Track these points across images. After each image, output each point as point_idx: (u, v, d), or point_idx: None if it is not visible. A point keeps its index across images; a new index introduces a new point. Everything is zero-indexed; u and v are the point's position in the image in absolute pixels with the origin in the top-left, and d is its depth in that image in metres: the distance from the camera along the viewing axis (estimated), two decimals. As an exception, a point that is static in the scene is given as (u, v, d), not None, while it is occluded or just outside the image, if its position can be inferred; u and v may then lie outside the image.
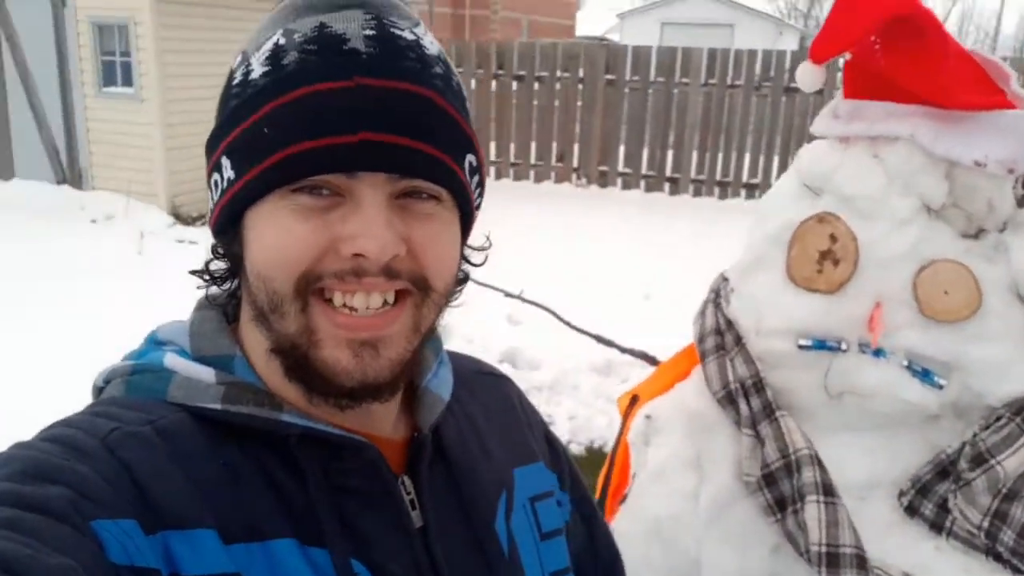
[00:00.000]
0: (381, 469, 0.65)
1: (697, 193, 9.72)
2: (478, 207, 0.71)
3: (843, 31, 1.36)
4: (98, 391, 0.67)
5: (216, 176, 0.65)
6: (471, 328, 4.27)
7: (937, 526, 1.31)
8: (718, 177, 9.77)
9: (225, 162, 0.63)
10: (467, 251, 0.72)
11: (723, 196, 9.75)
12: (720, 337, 1.51)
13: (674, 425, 1.56)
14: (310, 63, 0.59)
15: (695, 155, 9.76)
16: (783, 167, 9.54)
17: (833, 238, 1.38)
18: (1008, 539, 1.25)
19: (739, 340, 1.48)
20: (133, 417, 0.60)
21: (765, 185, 9.59)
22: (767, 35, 23.79)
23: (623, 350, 2.34)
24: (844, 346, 1.37)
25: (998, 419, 1.32)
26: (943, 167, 1.33)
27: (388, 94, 0.59)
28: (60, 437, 0.57)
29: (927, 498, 1.32)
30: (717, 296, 1.60)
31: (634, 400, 1.74)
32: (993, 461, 1.29)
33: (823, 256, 1.39)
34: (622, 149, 9.86)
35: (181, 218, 7.33)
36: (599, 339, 2.48)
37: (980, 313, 1.31)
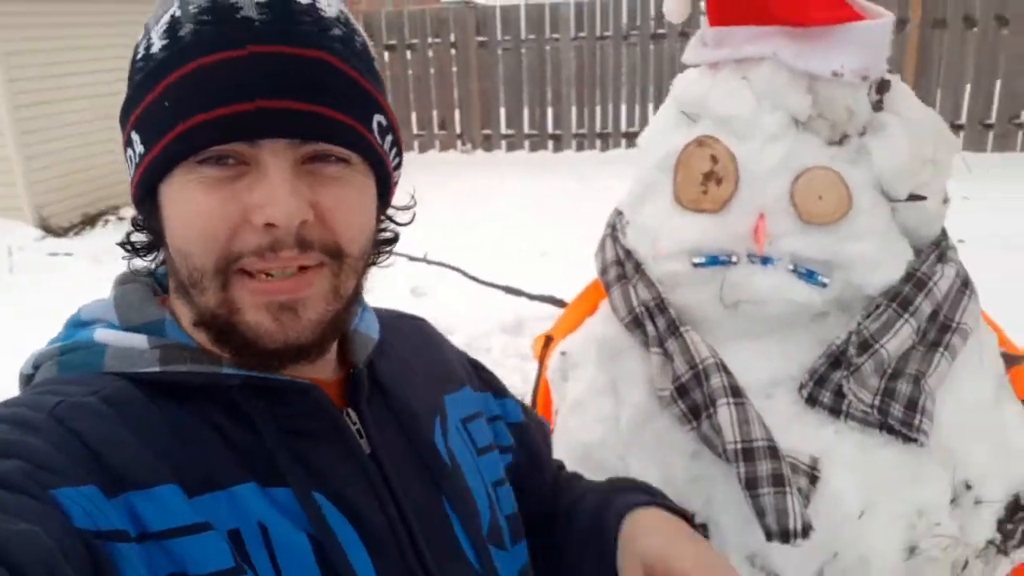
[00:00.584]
0: (326, 405, 0.68)
1: (580, 148, 9.87)
2: (397, 167, 0.72)
3: (702, -39, 1.43)
4: (27, 379, 0.66)
5: (129, 151, 0.65)
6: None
7: (835, 411, 1.42)
8: (598, 130, 9.94)
9: (135, 136, 0.64)
10: (391, 212, 0.74)
11: (604, 148, 9.95)
12: (621, 267, 1.58)
13: (588, 357, 1.63)
14: (204, 33, 0.60)
15: (574, 110, 9.89)
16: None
17: (714, 159, 1.47)
18: (897, 412, 1.38)
19: (639, 267, 1.55)
20: (76, 390, 0.60)
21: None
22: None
23: (532, 297, 2.41)
24: (734, 259, 1.47)
25: (877, 307, 1.44)
26: (805, 81, 1.43)
27: (282, 60, 0.59)
28: (5, 416, 0.57)
29: (824, 387, 1.44)
30: (614, 230, 1.67)
31: (548, 341, 1.80)
32: (877, 345, 1.41)
33: (706, 177, 1.48)
34: (503, 111, 9.89)
35: (51, 230, 6.93)
36: (507, 290, 2.53)
37: (852, 213, 1.42)
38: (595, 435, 1.55)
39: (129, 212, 7.13)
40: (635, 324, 1.51)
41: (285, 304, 0.63)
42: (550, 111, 9.89)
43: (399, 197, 0.75)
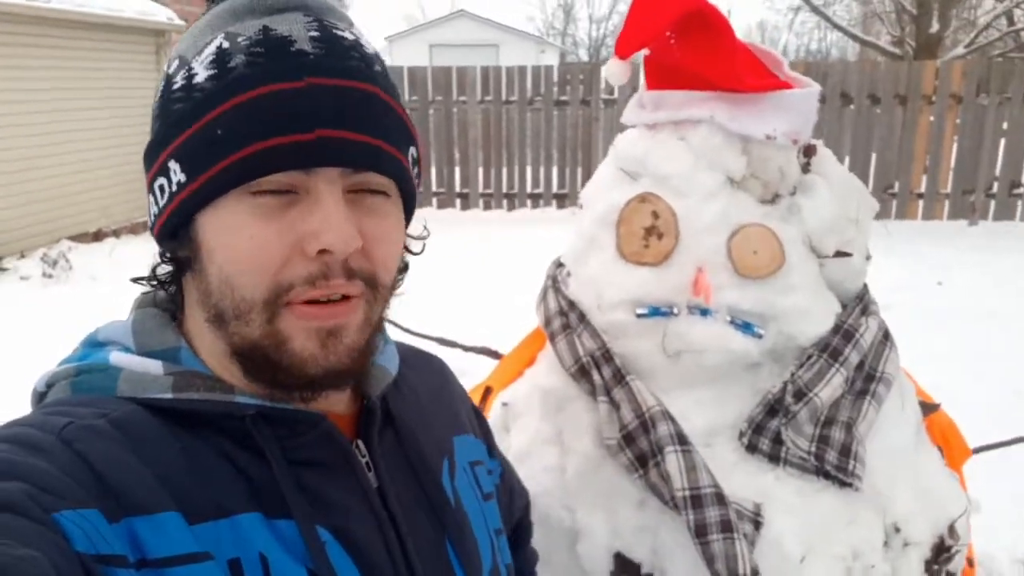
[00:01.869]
0: (336, 437, 0.68)
1: (487, 207, 10.02)
2: (415, 197, 0.74)
3: (642, 28, 1.50)
4: (40, 396, 0.65)
5: (162, 180, 0.65)
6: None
7: (774, 458, 1.47)
8: (504, 190, 10.13)
9: (174, 166, 0.63)
10: (408, 241, 0.76)
11: (511, 207, 10.13)
12: (565, 317, 1.61)
13: (532, 407, 1.64)
14: (259, 65, 0.61)
15: (480, 171, 10.06)
16: (561, 176, 10.09)
17: (655, 215, 1.52)
18: (832, 458, 1.44)
19: (583, 317, 1.58)
20: (86, 412, 0.59)
21: (548, 195, 10.10)
22: (530, 53, 25.03)
23: (466, 349, 2.40)
24: (675, 310, 1.51)
25: (809, 357, 1.51)
26: (739, 143, 1.51)
27: (339, 92, 0.61)
28: (13, 436, 0.57)
29: (762, 435, 1.49)
30: (555, 281, 1.70)
31: (487, 392, 1.80)
32: (811, 394, 1.48)
33: (648, 232, 1.53)
34: (410, 169, 9.96)
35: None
36: (442, 341, 2.51)
37: (784, 268, 1.50)
38: (541, 485, 1.54)
39: (11, 263, 6.71)
40: (581, 373, 1.53)
41: (331, 330, 0.64)
42: (457, 170, 10.03)
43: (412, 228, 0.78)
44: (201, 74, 0.62)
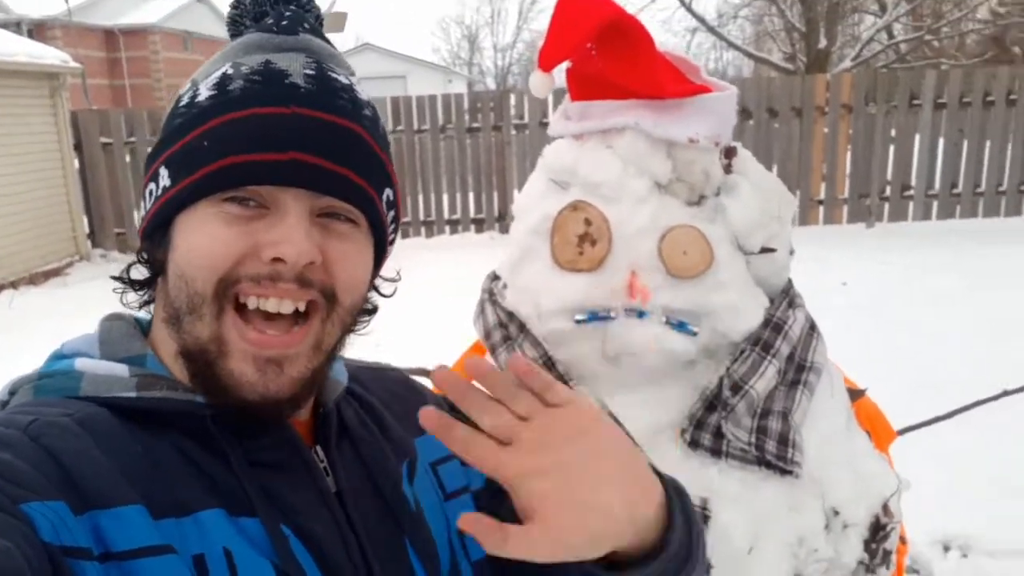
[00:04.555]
0: (295, 440, 0.71)
1: (405, 235, 9.98)
2: (392, 241, 0.80)
3: (564, 41, 1.54)
4: (2, 405, 0.67)
5: (152, 185, 0.70)
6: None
7: (716, 452, 1.51)
8: (422, 217, 10.12)
9: (163, 171, 0.69)
10: (378, 282, 0.81)
11: (430, 234, 10.12)
12: (504, 329, 1.62)
13: (476, 421, 1.63)
14: (252, 90, 0.67)
15: (396, 199, 10.03)
16: (478, 200, 10.16)
17: (588, 222, 1.55)
18: (772, 447, 1.49)
19: (522, 327, 1.59)
20: (50, 412, 0.62)
21: (466, 220, 10.14)
22: (437, 83, 25.20)
23: (404, 371, 2.37)
24: (613, 314, 1.54)
25: (742, 352, 1.56)
26: (665, 148, 1.56)
27: (320, 123, 0.66)
28: None
29: (703, 430, 1.52)
30: (491, 294, 1.70)
31: (428, 411, 1.78)
32: (747, 387, 1.52)
33: (581, 239, 1.56)
34: (324, 202, 9.85)
35: None
36: (377, 366, 2.48)
37: (713, 266, 1.55)
38: (491, 499, 1.54)
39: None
40: (525, 383, 1.53)
41: (272, 358, 0.67)
42: (372, 201, 9.97)
43: (385, 271, 0.83)
44: (203, 94, 0.68)
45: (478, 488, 0.87)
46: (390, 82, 24.45)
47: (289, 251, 0.64)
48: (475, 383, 0.63)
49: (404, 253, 8.84)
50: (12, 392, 0.68)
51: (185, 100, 0.70)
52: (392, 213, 0.76)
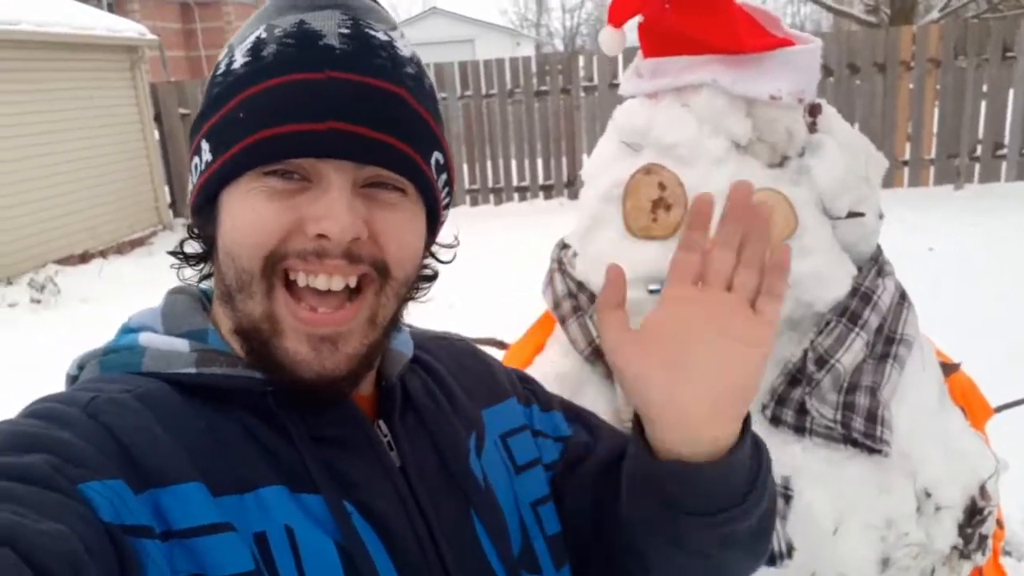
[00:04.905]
0: (357, 416, 0.69)
1: (474, 203, 9.97)
2: (446, 206, 0.75)
3: (635, -6, 1.45)
4: (72, 379, 0.68)
5: (196, 159, 0.68)
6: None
7: (800, 429, 1.43)
8: (490, 185, 10.07)
9: (205, 145, 0.67)
10: (435, 249, 0.78)
11: (498, 202, 10.08)
12: (574, 299, 1.56)
13: (545, 394, 1.59)
14: (286, 55, 0.64)
15: (465, 167, 10.00)
16: (546, 166, 10.05)
17: (662, 186, 1.47)
18: (859, 425, 1.40)
19: (593, 298, 1.53)
20: (112, 387, 0.61)
21: (534, 187, 10.05)
22: (505, 46, 24.96)
23: (472, 340, 2.34)
24: (689, 284, 1.47)
25: (828, 323, 1.47)
26: (744, 106, 1.46)
27: (357, 87, 0.63)
28: (41, 411, 0.58)
29: (786, 406, 1.44)
30: (561, 263, 1.65)
31: (496, 382, 1.75)
32: (832, 360, 1.44)
33: (655, 204, 1.48)
34: (393, 169, 9.91)
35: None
36: (455, 336, 2.46)
37: (798, 232, 1.45)
38: (560, 474, 1.50)
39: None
40: (596, 355, 1.48)
41: (326, 336, 0.65)
42: (441, 168, 9.98)
43: (444, 237, 0.79)
44: (238, 60, 0.66)
45: (552, 460, 0.84)
46: (458, 46, 24.32)
47: (332, 227, 0.62)
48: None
49: (473, 221, 8.85)
50: (81, 367, 0.69)
51: (222, 68, 0.68)
52: (444, 177, 0.72)
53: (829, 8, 16.92)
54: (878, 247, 1.59)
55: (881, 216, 1.56)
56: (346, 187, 0.63)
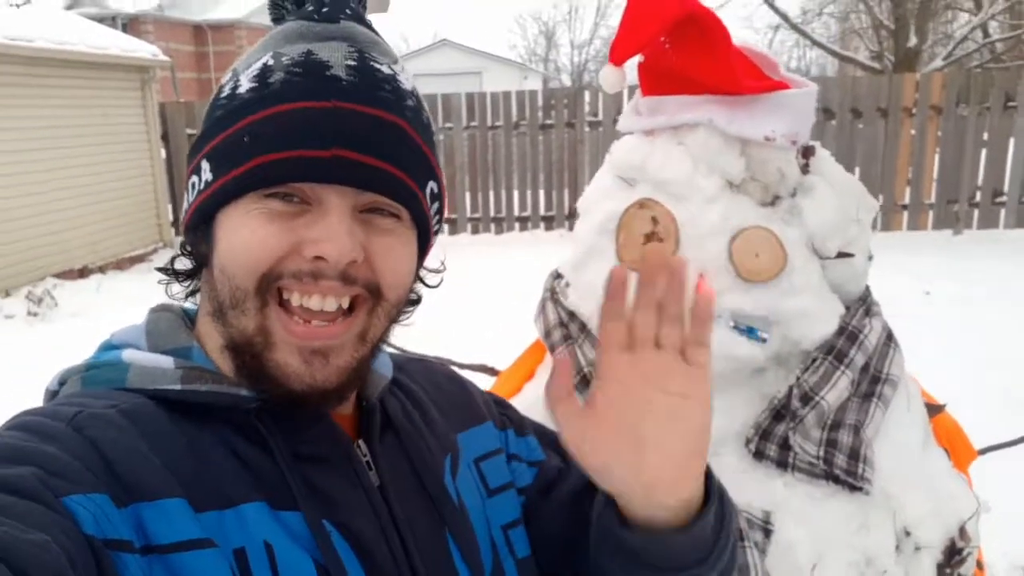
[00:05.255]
0: (337, 434, 0.70)
1: (475, 231, 10.02)
2: (436, 232, 0.78)
3: (637, 34, 1.50)
4: (52, 394, 0.68)
5: (194, 178, 0.70)
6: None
7: (782, 464, 1.45)
8: (492, 214, 10.14)
9: (205, 165, 0.68)
10: (423, 273, 0.80)
11: (499, 231, 10.13)
12: (565, 328, 1.59)
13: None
14: (293, 83, 0.65)
15: (468, 196, 10.07)
16: (548, 198, 10.12)
17: (655, 220, 1.51)
18: (841, 462, 1.42)
19: (584, 327, 1.56)
20: (96, 403, 0.64)
21: (536, 217, 10.11)
22: (513, 79, 25.22)
23: (463, 366, 2.36)
24: (679, 317, 1.49)
25: (814, 361, 1.50)
26: (738, 145, 1.50)
27: (361, 118, 0.65)
28: (25, 424, 0.59)
29: (770, 440, 1.46)
30: (553, 293, 1.68)
31: (487, 408, 1.77)
32: (817, 398, 1.46)
33: (648, 238, 1.52)
34: (397, 196, 9.96)
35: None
36: (438, 360, 2.48)
37: (787, 270, 1.48)
38: (547, 501, 1.51)
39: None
40: (584, 383, 1.50)
41: (318, 349, 0.66)
42: (445, 196, 10.04)
43: (430, 262, 0.81)
44: (244, 86, 0.67)
45: (525, 484, 0.85)
46: (466, 78, 24.58)
47: (331, 250, 0.64)
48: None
49: (473, 249, 8.89)
50: (62, 382, 0.69)
51: (226, 91, 0.69)
52: (436, 205, 0.74)
53: (834, 53, 17.15)
54: (867, 288, 1.62)
55: (871, 257, 1.59)
56: (346, 212, 0.65)
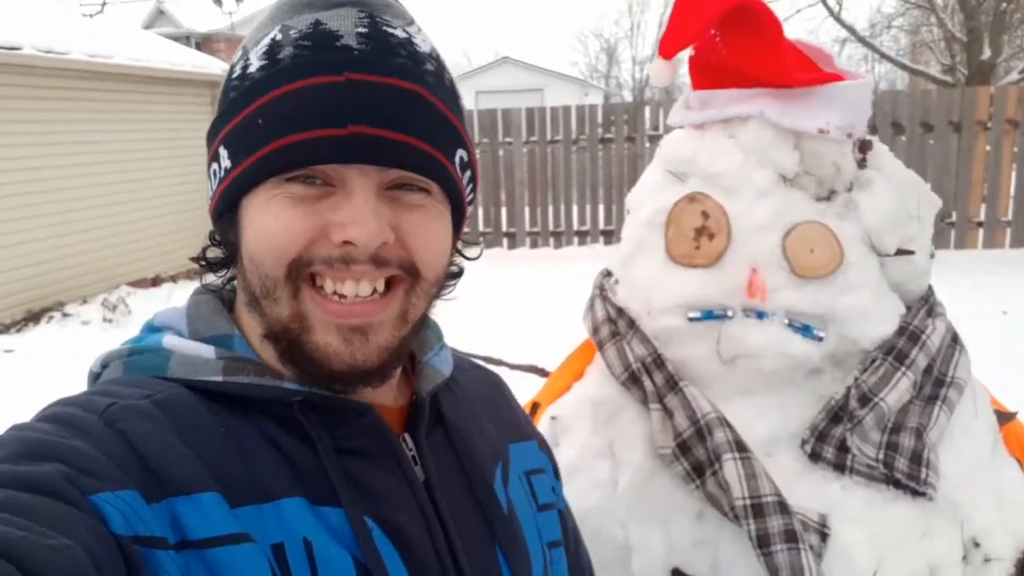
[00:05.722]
0: (383, 428, 0.67)
1: (534, 245, 10.03)
2: (470, 202, 0.74)
3: (686, 27, 1.48)
4: (95, 377, 0.67)
5: (215, 166, 0.67)
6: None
7: (840, 466, 1.39)
8: (551, 228, 10.14)
9: (223, 152, 0.65)
10: (460, 245, 0.76)
11: (558, 246, 10.12)
12: (613, 324, 1.56)
13: (581, 420, 1.58)
14: (303, 58, 0.62)
15: (527, 210, 10.09)
16: (608, 212, 10.06)
17: (705, 214, 1.48)
18: (903, 466, 1.36)
19: (632, 324, 1.53)
20: (131, 392, 0.61)
21: (595, 232, 10.07)
22: (574, 95, 25.22)
23: (512, 367, 2.36)
24: (730, 313, 1.46)
25: (873, 361, 1.44)
26: (791, 139, 1.46)
27: (377, 89, 0.61)
28: (57, 416, 0.57)
29: (826, 443, 1.41)
30: (602, 290, 1.65)
31: (535, 408, 1.75)
32: (876, 399, 1.40)
33: (698, 232, 1.48)
34: (457, 210, 10.05)
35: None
36: (488, 360, 2.49)
37: (843, 266, 1.43)
38: (592, 500, 1.48)
39: (73, 308, 6.90)
40: (632, 381, 1.47)
41: (356, 327, 0.64)
42: (503, 210, 10.08)
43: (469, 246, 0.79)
44: (254, 64, 0.64)
45: (563, 508, 0.86)
46: (527, 95, 24.70)
47: (358, 234, 0.61)
48: None
49: (532, 263, 8.89)
50: (104, 365, 0.67)
51: (237, 71, 0.66)
52: (468, 174, 0.70)
53: (904, 67, 16.70)
54: (930, 287, 1.55)
55: (932, 255, 1.52)
56: (371, 192, 0.62)
